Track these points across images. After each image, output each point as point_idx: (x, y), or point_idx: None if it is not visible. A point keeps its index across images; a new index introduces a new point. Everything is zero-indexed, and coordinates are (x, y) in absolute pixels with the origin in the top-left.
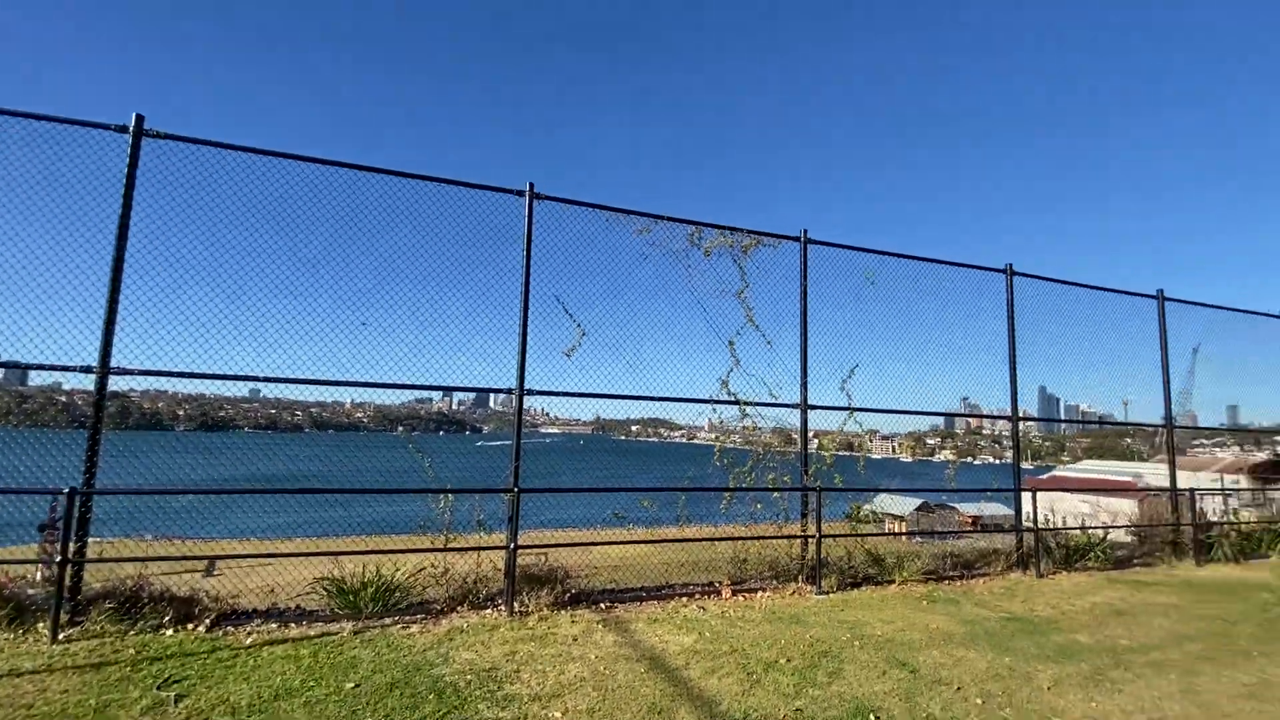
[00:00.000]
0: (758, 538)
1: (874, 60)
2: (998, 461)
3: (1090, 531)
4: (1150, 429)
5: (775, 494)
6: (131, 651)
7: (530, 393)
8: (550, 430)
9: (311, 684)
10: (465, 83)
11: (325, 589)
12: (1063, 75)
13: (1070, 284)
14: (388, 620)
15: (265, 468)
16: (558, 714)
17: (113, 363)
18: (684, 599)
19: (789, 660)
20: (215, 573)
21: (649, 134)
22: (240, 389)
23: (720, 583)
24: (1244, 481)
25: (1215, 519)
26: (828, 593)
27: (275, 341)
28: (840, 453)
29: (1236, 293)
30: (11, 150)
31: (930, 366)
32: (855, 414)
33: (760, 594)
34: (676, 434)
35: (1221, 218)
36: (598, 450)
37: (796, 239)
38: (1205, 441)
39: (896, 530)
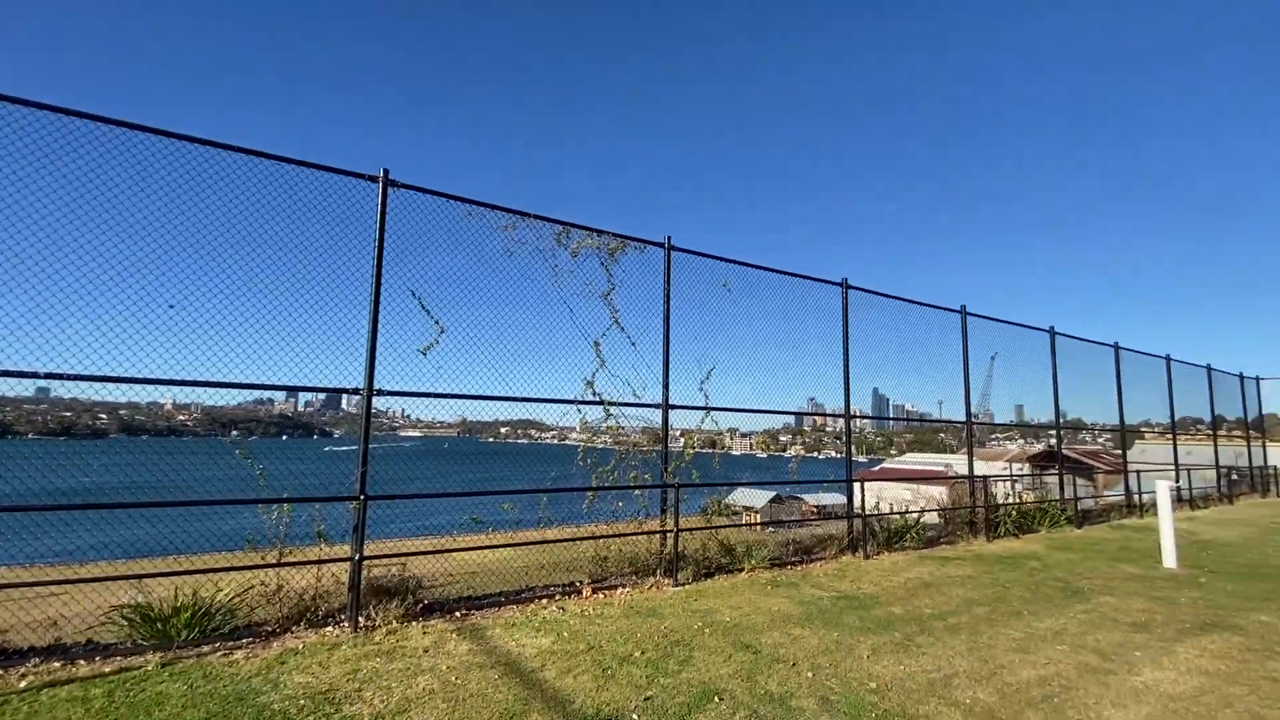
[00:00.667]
0: (619, 535)
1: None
2: (839, 455)
3: (907, 515)
4: (957, 425)
5: (636, 491)
6: None
7: (380, 393)
8: (411, 434)
9: None
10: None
11: (125, 618)
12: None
13: (894, 298)
14: (206, 648)
15: (54, 481)
16: None
17: None
18: (544, 601)
19: (643, 652)
20: None
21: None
22: (24, 388)
23: (581, 582)
24: (1026, 469)
25: (1004, 501)
26: (684, 584)
27: (74, 332)
28: (704, 450)
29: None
30: None
31: (782, 369)
32: (712, 413)
33: (620, 590)
34: (548, 435)
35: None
36: (464, 454)
37: (661, 245)
38: (999, 435)
39: (752, 521)
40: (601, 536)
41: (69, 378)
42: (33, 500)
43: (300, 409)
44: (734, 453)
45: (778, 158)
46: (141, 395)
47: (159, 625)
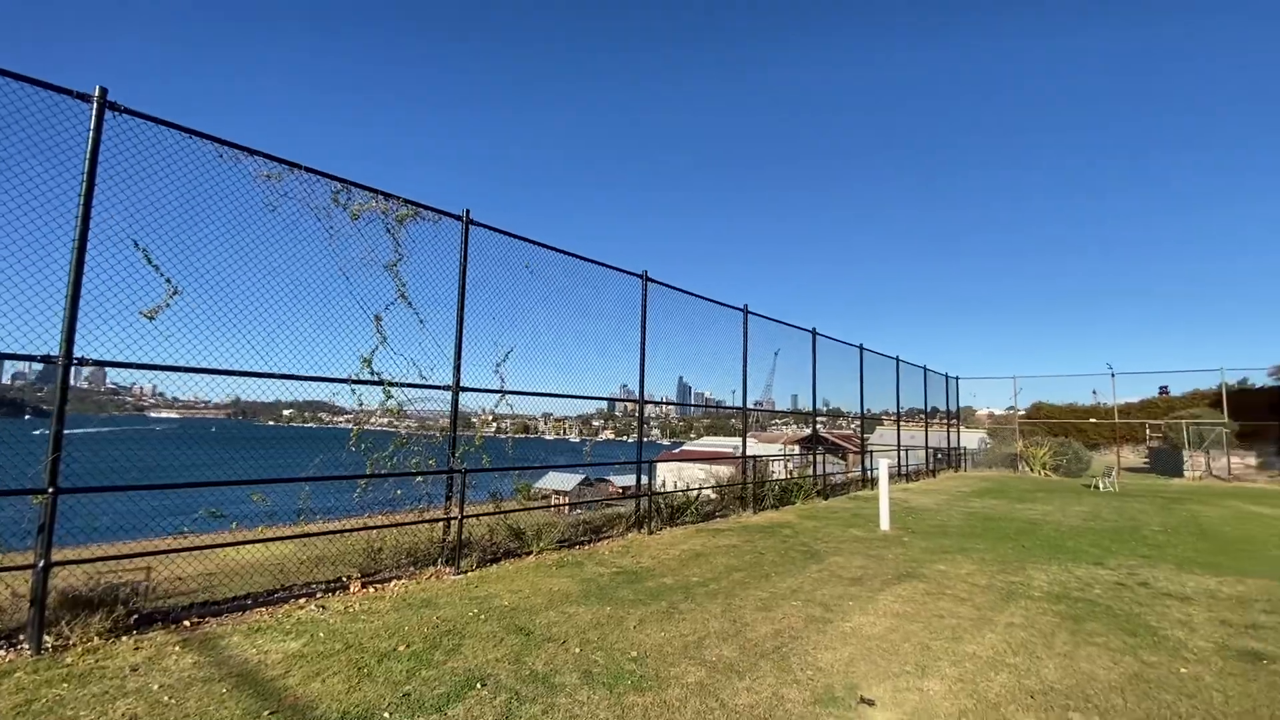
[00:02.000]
0: (396, 525)
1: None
2: (648, 440)
3: (689, 492)
4: (737, 411)
5: (419, 479)
6: None
7: (81, 363)
8: (167, 414)
9: None
10: None
11: None
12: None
13: (688, 293)
14: None
15: None
16: None
17: None
18: (302, 600)
19: (408, 646)
20: None
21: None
22: None
23: (350, 577)
24: (797, 450)
25: (779, 478)
26: (466, 571)
27: None
28: (519, 435)
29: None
30: None
31: (585, 356)
32: (508, 398)
33: (394, 583)
34: (342, 419)
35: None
36: (232, 438)
37: (458, 217)
38: (779, 421)
39: (560, 504)
40: (375, 527)
41: None
42: None
43: (6, 382)
44: (547, 437)
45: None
46: None
47: None
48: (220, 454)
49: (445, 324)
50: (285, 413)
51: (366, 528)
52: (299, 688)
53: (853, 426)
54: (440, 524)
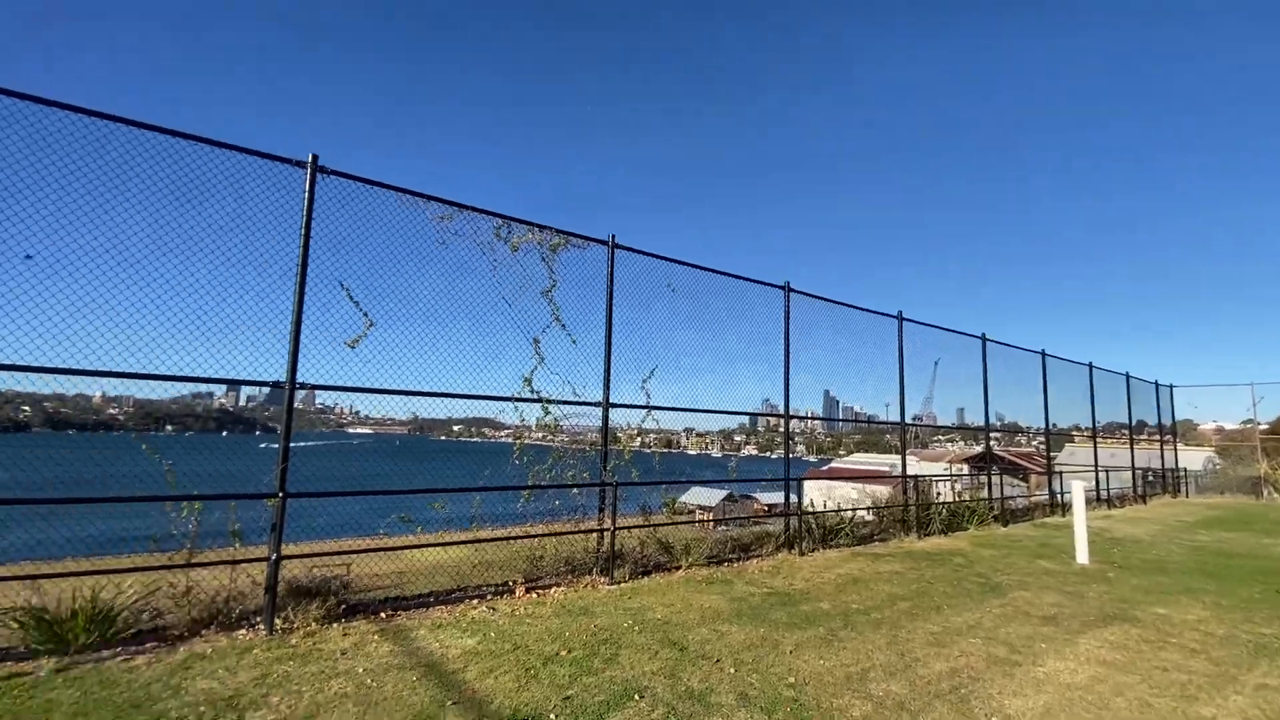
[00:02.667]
0: (554, 534)
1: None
2: (793, 456)
3: (842, 513)
4: (894, 427)
5: (574, 490)
6: None
7: (304, 386)
8: (361, 431)
9: None
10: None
11: (17, 621)
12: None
13: (835, 302)
14: (106, 653)
15: None
16: None
17: None
18: (475, 601)
19: (569, 651)
20: None
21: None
22: None
23: (515, 582)
24: (965, 469)
25: (945, 500)
26: (619, 582)
27: None
28: (661, 450)
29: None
30: None
31: (730, 371)
32: (655, 413)
33: (554, 590)
34: (502, 434)
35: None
36: (415, 452)
37: (604, 242)
38: (941, 437)
39: (705, 519)
40: (536, 535)
41: None
42: None
43: (242, 404)
44: (690, 452)
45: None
46: (68, 386)
47: (55, 629)
48: (407, 466)
49: (594, 343)
50: (455, 428)
51: (529, 535)
52: (475, 682)
53: (1034, 444)
54: (594, 535)
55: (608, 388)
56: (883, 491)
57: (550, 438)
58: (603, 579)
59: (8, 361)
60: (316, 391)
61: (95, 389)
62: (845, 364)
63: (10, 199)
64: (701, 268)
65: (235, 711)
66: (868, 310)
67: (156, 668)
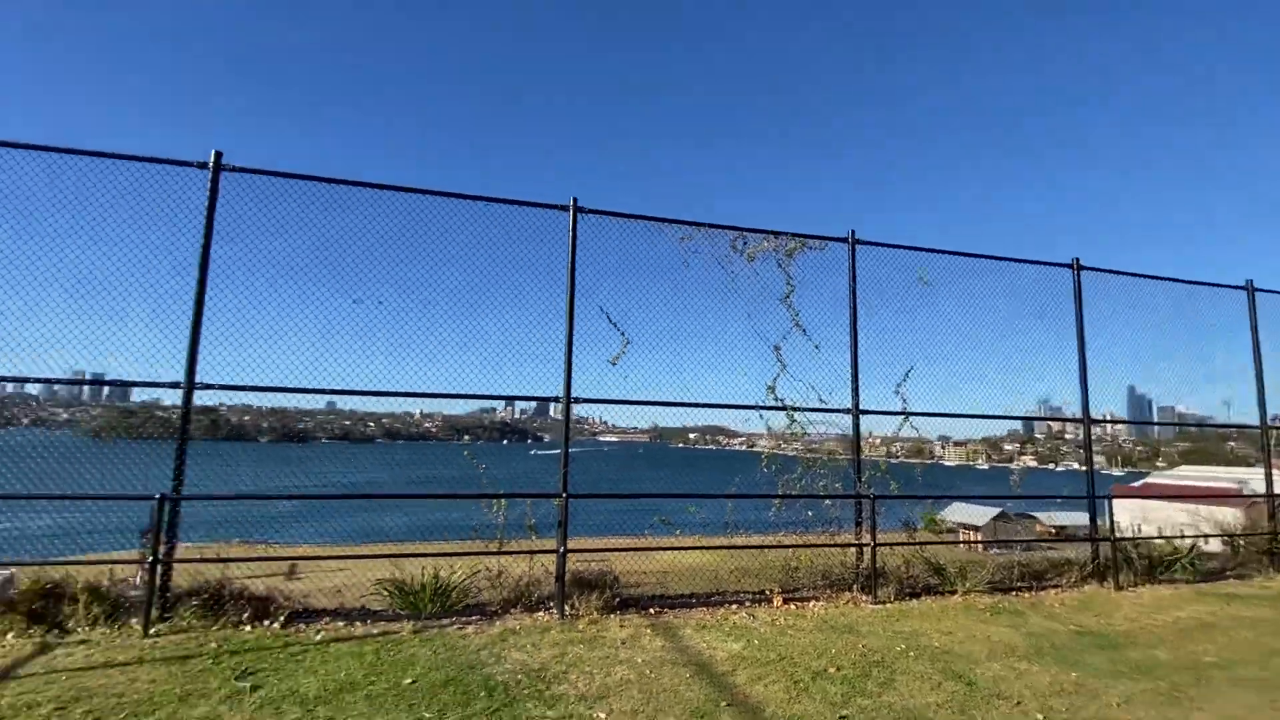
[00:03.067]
0: (810, 545)
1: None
2: (1081, 468)
3: (1178, 542)
4: (1250, 430)
5: (826, 501)
6: (213, 645)
7: (577, 400)
8: (609, 438)
9: (373, 679)
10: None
11: (387, 590)
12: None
13: (1146, 277)
14: (445, 620)
15: (341, 476)
16: (602, 715)
17: (198, 379)
18: (733, 606)
19: (838, 669)
20: (298, 575)
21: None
22: (318, 402)
23: (771, 591)
24: None
25: None
26: (884, 602)
27: (348, 355)
28: (909, 460)
29: None
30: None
31: (999, 368)
32: (910, 419)
33: (813, 603)
34: (735, 441)
35: None
36: (655, 458)
37: (844, 240)
38: None
39: (970, 539)
40: (791, 546)
41: (342, 393)
42: (327, 491)
43: (517, 416)
44: (946, 463)
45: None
46: (395, 407)
47: (410, 598)
48: (659, 473)
49: (838, 345)
50: (690, 436)
51: (782, 545)
52: (745, 688)
53: None
54: (852, 550)
55: (856, 393)
56: (1228, 515)
57: (783, 447)
58: (864, 596)
59: (343, 387)
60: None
61: (415, 408)
62: (1155, 354)
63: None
64: (959, 253)
65: (543, 683)
66: (1200, 283)
67: (481, 637)
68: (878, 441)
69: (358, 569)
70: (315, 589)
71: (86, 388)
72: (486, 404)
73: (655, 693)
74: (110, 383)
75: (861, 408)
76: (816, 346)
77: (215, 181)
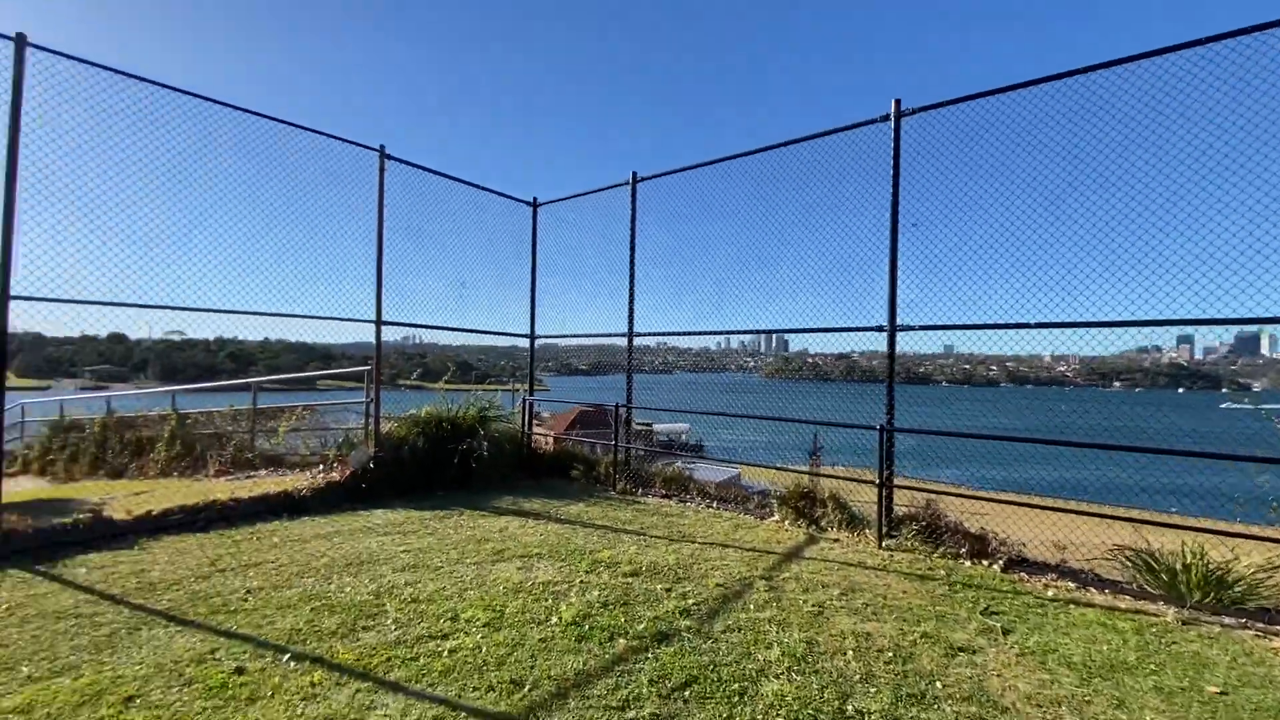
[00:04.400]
0: None
1: None
2: None
3: None
4: None
5: None
6: (942, 573)
7: None
8: None
9: (1153, 668)
10: None
11: (1128, 560)
12: None
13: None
14: (1228, 620)
15: (1014, 420)
16: None
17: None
18: None
19: None
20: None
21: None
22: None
23: None
24: None
25: None
26: None
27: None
28: None
29: None
30: None
31: None
32: None
33: None
34: None
35: None
36: None
37: None
38: None
39: None
40: None
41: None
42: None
43: (1198, 357)
44: None
45: None
46: (1022, 348)
47: (1164, 577)
48: None
49: None
50: None
51: None
52: None
53: None
54: None
55: None
56: None
57: None
58: None
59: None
60: None
61: (1045, 350)
62: None
63: None
64: None
65: None
66: None
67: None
68: None
69: (1073, 527)
70: (1030, 539)
71: (762, 341)
72: (1146, 344)
73: None
74: (813, 329)
75: None
76: None
77: None
